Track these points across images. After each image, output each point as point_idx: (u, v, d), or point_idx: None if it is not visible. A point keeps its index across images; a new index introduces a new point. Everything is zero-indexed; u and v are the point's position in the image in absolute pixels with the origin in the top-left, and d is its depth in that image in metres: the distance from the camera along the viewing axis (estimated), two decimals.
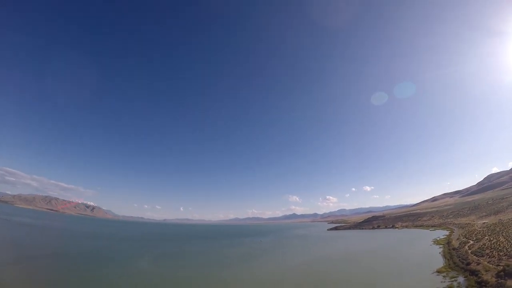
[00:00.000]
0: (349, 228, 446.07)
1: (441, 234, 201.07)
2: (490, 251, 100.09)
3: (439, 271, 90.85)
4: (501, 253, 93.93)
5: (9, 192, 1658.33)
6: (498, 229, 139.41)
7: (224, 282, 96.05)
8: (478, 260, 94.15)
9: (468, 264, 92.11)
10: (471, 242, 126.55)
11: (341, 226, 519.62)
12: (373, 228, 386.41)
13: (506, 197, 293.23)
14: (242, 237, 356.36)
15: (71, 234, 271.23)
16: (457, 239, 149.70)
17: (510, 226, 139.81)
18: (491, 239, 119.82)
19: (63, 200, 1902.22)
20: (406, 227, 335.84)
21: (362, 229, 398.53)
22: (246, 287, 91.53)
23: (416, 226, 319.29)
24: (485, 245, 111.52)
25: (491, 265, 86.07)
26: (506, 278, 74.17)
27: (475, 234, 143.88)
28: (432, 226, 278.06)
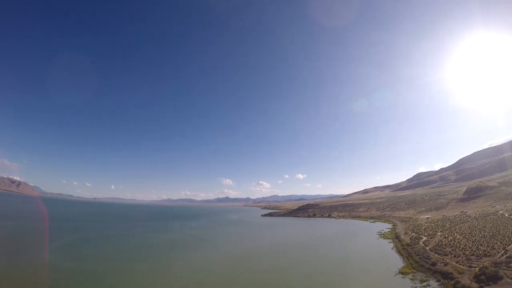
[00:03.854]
0: (284, 215, 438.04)
1: (383, 227, 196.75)
2: (452, 249, 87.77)
3: (402, 272, 75.13)
4: (466, 252, 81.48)
5: None
6: (448, 225, 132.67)
7: (140, 278, 72.84)
8: (443, 259, 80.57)
9: (434, 264, 77.87)
10: (424, 237, 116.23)
11: (275, 212, 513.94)
12: (309, 216, 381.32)
13: (443, 195, 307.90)
14: (172, 219, 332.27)
15: None
16: (405, 233, 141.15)
17: (459, 223, 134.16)
18: (446, 235, 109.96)
19: None
20: (343, 217, 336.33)
21: (298, 216, 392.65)
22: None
23: (353, 217, 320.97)
24: (442, 242, 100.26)
25: (462, 266, 72.46)
26: (489, 283, 60.07)
27: (424, 229, 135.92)
28: (370, 218, 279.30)
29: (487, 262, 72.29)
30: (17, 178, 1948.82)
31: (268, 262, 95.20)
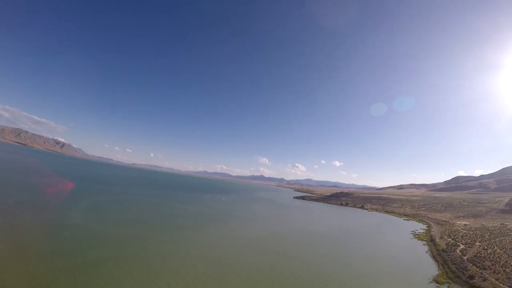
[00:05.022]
0: (316, 200, 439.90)
1: (417, 226, 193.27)
2: (492, 264, 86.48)
3: (437, 281, 75.94)
4: (507, 270, 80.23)
5: None
6: (487, 236, 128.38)
7: (153, 247, 75.03)
8: (481, 273, 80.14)
9: (472, 277, 77.77)
10: (461, 246, 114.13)
11: (308, 196, 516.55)
12: (341, 204, 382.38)
13: (483, 203, 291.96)
14: (205, 192, 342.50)
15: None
16: (441, 237, 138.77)
17: (499, 236, 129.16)
18: (485, 247, 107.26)
19: (33, 134, 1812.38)
20: (376, 210, 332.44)
21: (330, 203, 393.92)
22: (178, 267, 65.05)
23: (386, 212, 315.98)
24: (480, 253, 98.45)
25: (502, 285, 71.91)
26: None
27: (462, 236, 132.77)
28: (404, 215, 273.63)
29: None
30: (61, 139, 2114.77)
31: (294, 251, 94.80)
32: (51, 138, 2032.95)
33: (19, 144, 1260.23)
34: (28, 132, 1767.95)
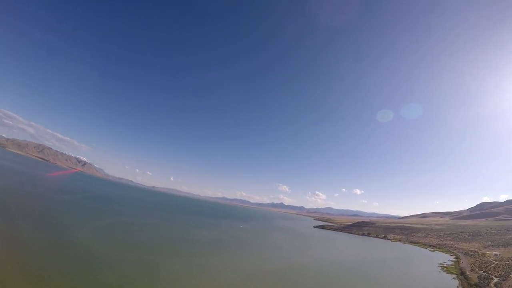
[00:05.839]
0: (337, 229, 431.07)
1: (445, 258, 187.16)
2: None
3: None
4: None
5: (4, 135, 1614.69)
6: None
7: (167, 278, 70.93)
8: None
9: None
10: (495, 279, 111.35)
11: (328, 225, 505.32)
12: (363, 234, 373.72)
13: None
14: (223, 218, 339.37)
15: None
16: (471, 270, 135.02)
17: None
18: None
19: (56, 151, 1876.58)
20: (400, 240, 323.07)
21: (351, 233, 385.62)
22: None
23: (411, 242, 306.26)
24: None
25: None
26: None
27: (494, 268, 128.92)
28: (430, 246, 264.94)
29: None
30: (83, 158, 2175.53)
31: (312, 282, 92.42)
32: (73, 156, 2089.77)
33: (42, 160, 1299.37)
34: (51, 148, 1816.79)
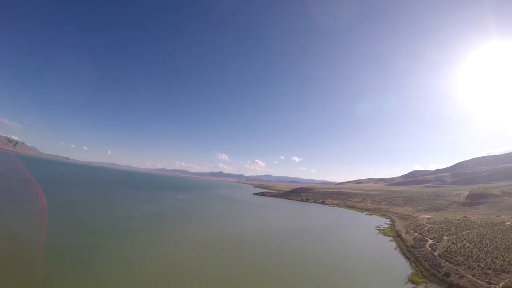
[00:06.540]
0: (276, 196, 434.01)
1: (381, 221, 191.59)
2: (464, 259, 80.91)
3: (413, 281, 68.14)
4: (481, 265, 74.77)
5: None
6: (453, 230, 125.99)
7: (100, 260, 62.81)
8: (456, 270, 73.67)
9: (447, 275, 70.78)
10: (430, 240, 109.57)
11: (268, 192, 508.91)
12: (302, 200, 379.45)
13: (442, 196, 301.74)
14: (162, 190, 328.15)
15: None
16: (406, 232, 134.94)
17: (465, 229, 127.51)
18: (454, 241, 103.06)
19: None
20: (337, 205, 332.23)
21: (290, 199, 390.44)
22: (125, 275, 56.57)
23: (348, 206, 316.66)
24: (451, 248, 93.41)
25: (480, 282, 65.51)
26: None
27: (428, 231, 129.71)
28: (366, 210, 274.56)
29: (507, 280, 65.63)
30: (15, 137, 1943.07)
31: (258, 252, 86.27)
32: (4, 136, 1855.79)
33: None
34: None
